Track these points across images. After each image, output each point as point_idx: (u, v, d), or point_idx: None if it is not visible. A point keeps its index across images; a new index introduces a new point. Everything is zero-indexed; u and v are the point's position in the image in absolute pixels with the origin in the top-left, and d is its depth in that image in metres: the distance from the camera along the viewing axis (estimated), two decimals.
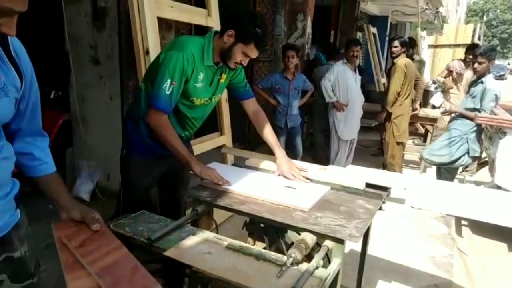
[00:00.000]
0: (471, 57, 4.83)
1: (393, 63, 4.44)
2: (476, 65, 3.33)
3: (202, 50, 1.70)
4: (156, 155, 1.86)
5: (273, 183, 1.79)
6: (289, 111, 4.03)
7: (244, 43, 1.64)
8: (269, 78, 4.13)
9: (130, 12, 2.45)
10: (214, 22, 3.04)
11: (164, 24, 2.75)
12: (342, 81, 4.09)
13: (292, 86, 4.00)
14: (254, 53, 1.69)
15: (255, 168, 2.01)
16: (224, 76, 1.85)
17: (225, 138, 3.12)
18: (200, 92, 1.76)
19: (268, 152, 2.05)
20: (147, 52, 2.46)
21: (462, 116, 3.48)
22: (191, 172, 1.74)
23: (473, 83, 3.54)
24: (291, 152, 4.09)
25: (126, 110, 2.33)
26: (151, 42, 2.46)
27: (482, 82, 3.33)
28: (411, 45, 5.53)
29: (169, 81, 1.60)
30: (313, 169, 1.96)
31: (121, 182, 2.00)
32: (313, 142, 5.16)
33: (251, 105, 2.03)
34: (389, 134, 4.42)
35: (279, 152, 1.93)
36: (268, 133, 1.99)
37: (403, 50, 4.27)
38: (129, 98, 2.81)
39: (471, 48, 5.13)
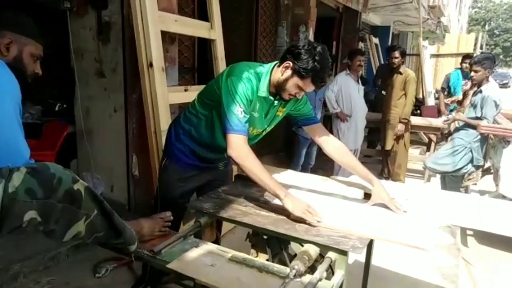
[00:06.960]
0: (465, 64, 5.29)
1: (391, 73, 4.46)
2: (472, 73, 3.37)
3: (259, 80, 1.64)
4: (196, 167, 1.85)
5: (367, 214, 1.62)
6: None
7: (300, 77, 1.56)
8: None
9: (134, 26, 2.49)
10: (217, 35, 3.09)
11: (168, 37, 2.79)
12: (345, 91, 4.13)
13: (317, 98, 4.04)
14: (309, 88, 1.61)
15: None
16: (282, 110, 1.78)
17: None
18: (255, 122, 1.71)
19: (272, 163, 2.03)
20: (150, 65, 2.50)
21: (465, 125, 3.48)
22: (275, 201, 1.59)
23: (474, 93, 3.55)
24: (304, 161, 4.17)
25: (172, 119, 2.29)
26: (155, 55, 2.49)
27: (481, 91, 3.34)
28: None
29: (237, 106, 1.55)
30: (315, 180, 1.96)
31: (157, 191, 1.94)
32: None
33: (319, 131, 1.89)
34: (400, 143, 4.47)
35: (376, 181, 1.74)
36: (353, 162, 1.84)
37: (402, 60, 4.31)
38: (133, 111, 2.84)
39: (466, 57, 5.56)
